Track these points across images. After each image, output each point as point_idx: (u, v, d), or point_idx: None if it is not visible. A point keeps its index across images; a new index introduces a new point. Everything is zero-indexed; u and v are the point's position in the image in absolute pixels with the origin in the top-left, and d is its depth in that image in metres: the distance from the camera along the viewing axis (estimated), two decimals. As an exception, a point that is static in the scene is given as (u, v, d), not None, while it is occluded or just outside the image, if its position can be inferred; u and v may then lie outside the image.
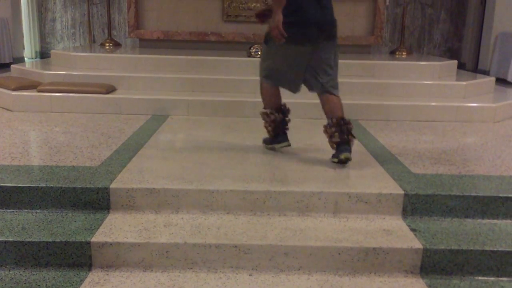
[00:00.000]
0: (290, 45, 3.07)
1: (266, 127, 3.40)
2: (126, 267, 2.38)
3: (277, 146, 3.42)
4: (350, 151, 3.09)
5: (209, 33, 6.18)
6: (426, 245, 2.41)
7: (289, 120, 3.44)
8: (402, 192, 2.69)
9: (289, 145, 3.42)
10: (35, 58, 8.77)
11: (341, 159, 3.06)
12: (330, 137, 3.14)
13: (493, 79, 5.52)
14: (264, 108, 3.38)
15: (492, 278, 2.42)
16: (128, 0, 6.19)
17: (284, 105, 3.42)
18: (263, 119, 3.38)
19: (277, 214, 2.68)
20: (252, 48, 5.30)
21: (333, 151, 3.15)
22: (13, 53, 7.87)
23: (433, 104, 4.63)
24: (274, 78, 3.28)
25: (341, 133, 3.08)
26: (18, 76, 5.36)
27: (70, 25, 8.84)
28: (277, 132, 3.39)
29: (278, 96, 3.37)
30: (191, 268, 2.39)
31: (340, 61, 5.12)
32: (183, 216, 2.64)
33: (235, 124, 4.26)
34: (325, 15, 3.12)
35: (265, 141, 3.50)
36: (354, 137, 3.14)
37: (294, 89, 3.31)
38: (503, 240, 2.49)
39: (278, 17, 2.96)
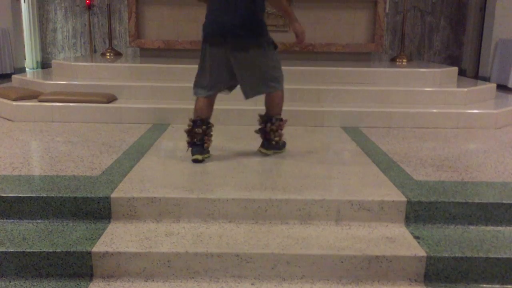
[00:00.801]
0: (208, 46, 3.21)
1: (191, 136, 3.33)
2: (128, 277, 2.37)
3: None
4: (266, 147, 3.44)
5: (209, 42, 6.18)
6: (430, 253, 2.39)
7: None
8: (404, 199, 2.67)
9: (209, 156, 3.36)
10: (36, 68, 8.81)
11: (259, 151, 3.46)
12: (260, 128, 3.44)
13: (494, 85, 5.52)
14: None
15: (497, 286, 2.40)
16: (129, 10, 6.22)
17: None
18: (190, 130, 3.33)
19: (279, 222, 2.67)
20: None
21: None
22: (14, 63, 7.91)
23: (435, 111, 4.62)
24: (205, 85, 3.32)
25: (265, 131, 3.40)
26: (19, 86, 5.37)
27: (71, 35, 8.88)
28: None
29: (212, 108, 3.40)
30: (193, 278, 2.37)
31: (340, 69, 5.21)
32: (184, 225, 2.62)
33: (236, 132, 4.26)
34: (240, 21, 3.10)
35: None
36: (278, 136, 3.44)
37: (223, 87, 3.37)
38: (507, 247, 2.47)
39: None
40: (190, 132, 3.32)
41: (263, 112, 3.46)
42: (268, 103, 3.39)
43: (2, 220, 2.62)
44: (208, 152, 3.36)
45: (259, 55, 3.20)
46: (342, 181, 2.97)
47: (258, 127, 3.50)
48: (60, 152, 3.50)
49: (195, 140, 3.30)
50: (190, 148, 3.34)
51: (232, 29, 3.10)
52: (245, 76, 3.25)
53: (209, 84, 3.30)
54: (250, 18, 3.13)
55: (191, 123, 3.33)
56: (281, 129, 3.45)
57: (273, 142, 3.44)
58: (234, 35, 3.11)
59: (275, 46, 3.28)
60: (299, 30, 3.24)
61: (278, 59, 3.33)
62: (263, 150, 3.46)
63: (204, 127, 3.31)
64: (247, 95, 3.35)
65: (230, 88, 3.44)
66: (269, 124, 3.39)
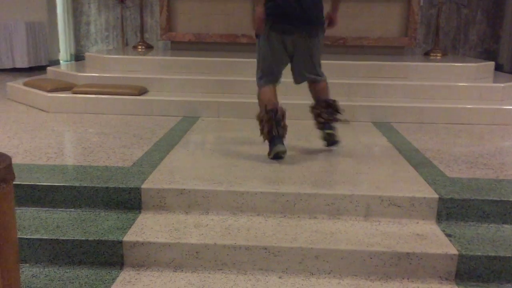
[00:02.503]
0: (273, 33, 3.17)
1: (261, 130, 3.20)
2: (157, 266, 2.40)
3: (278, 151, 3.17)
4: (333, 128, 3.37)
5: (239, 35, 6.20)
6: (462, 251, 2.34)
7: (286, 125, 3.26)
8: (436, 196, 2.62)
9: (285, 151, 3.17)
10: (70, 60, 8.98)
11: (324, 136, 3.38)
12: (316, 116, 3.39)
13: (532, 81, 5.33)
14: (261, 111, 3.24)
15: (532, 287, 2.33)
16: (161, 3, 6.28)
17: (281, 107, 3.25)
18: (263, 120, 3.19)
19: (308, 216, 2.66)
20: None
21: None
22: (49, 56, 8.09)
23: (469, 106, 4.51)
24: (266, 75, 3.27)
25: (327, 114, 3.36)
26: (53, 78, 5.49)
27: (104, 28, 9.01)
28: (272, 136, 3.16)
29: (275, 96, 3.28)
30: (221, 269, 2.39)
31: (372, 63, 5.13)
32: (213, 217, 2.64)
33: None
34: (308, 9, 3.13)
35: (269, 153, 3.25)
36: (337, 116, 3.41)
37: (277, 79, 3.33)
38: (543, 248, 2.40)
39: (259, 11, 3.10)
40: (269, 124, 3.13)
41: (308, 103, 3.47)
42: (318, 92, 3.41)
43: (37, 209, 2.70)
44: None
45: (316, 44, 3.25)
46: (372, 176, 2.93)
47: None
48: (92, 143, 3.57)
49: (275, 132, 3.12)
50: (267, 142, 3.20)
51: (305, 19, 3.13)
52: (300, 62, 3.30)
53: (276, 70, 3.29)
54: (318, 4, 3.19)
55: (267, 114, 3.14)
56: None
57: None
58: (307, 25, 3.15)
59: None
60: (336, 20, 3.32)
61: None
62: (331, 131, 3.36)
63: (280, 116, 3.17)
64: (298, 80, 3.42)
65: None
66: (334, 105, 3.39)
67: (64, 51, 8.99)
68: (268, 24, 3.15)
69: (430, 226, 2.59)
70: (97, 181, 2.73)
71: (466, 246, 2.39)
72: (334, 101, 3.42)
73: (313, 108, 3.43)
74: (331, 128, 3.38)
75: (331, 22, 3.33)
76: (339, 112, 3.41)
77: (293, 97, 4.18)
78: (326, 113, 3.36)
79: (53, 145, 3.53)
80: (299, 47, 3.23)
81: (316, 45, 3.25)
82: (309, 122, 4.08)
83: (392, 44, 6.10)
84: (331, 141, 3.40)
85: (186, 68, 5.26)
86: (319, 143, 3.57)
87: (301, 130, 3.99)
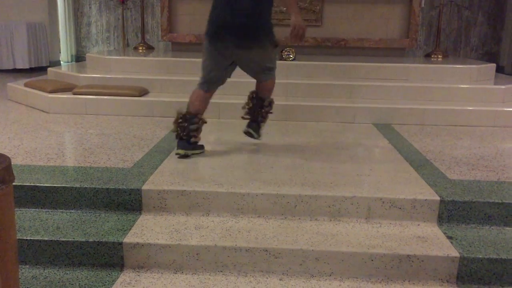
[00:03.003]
0: (212, 43, 3.16)
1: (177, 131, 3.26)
2: (157, 268, 2.39)
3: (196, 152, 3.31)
4: (254, 129, 3.44)
5: (241, 36, 6.18)
6: (463, 254, 2.33)
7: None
8: (438, 198, 2.61)
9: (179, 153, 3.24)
10: (71, 61, 8.99)
11: (244, 131, 3.46)
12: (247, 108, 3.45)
13: (533, 83, 5.32)
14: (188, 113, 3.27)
15: (533, 290, 2.32)
16: (162, 5, 6.28)
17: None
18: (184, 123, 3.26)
19: (308, 218, 2.65)
20: (284, 51, 5.28)
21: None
22: (50, 56, 8.09)
23: (470, 108, 4.50)
24: (210, 80, 3.28)
25: (257, 113, 3.43)
26: (54, 79, 5.49)
27: (105, 29, 9.02)
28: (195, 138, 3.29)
29: (207, 104, 3.35)
30: (221, 271, 2.38)
31: (373, 64, 5.12)
32: (213, 219, 2.63)
33: (266, 127, 4.22)
34: (247, 21, 3.03)
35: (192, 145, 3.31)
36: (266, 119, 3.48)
37: (222, 82, 3.36)
38: (545, 250, 2.39)
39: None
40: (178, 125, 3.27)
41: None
42: (260, 88, 3.42)
43: (37, 210, 2.69)
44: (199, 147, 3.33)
45: (259, 54, 3.20)
46: (373, 178, 2.92)
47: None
48: (93, 144, 3.57)
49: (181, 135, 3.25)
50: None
51: (239, 28, 3.04)
52: (244, 68, 3.33)
53: (213, 78, 3.29)
54: (257, 19, 3.06)
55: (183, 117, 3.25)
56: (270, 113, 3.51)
57: (262, 125, 3.50)
58: (240, 35, 3.06)
59: (276, 45, 3.22)
60: (297, 23, 2.96)
61: (275, 53, 3.35)
62: (252, 131, 3.45)
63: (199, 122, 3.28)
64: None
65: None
66: (267, 108, 3.44)
67: (65, 52, 9.00)
68: (208, 33, 3.15)
69: (431, 228, 2.58)
70: (97, 182, 2.73)
71: (468, 248, 2.38)
72: (270, 102, 3.46)
73: (249, 98, 3.47)
74: (251, 126, 3.46)
75: (294, 29, 2.98)
76: (263, 114, 3.46)
77: (291, 98, 4.18)
78: (254, 110, 3.44)
79: (54, 146, 3.52)
80: (240, 58, 3.21)
81: (258, 55, 3.20)
82: (310, 124, 4.08)
83: (393, 45, 6.09)
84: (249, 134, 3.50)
85: (187, 69, 5.25)
86: (320, 146, 3.57)
87: (302, 132, 3.98)
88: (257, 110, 3.45)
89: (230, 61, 3.24)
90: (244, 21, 3.03)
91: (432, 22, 8.21)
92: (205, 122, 3.33)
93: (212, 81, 3.29)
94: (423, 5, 6.14)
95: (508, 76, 6.45)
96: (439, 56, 6.23)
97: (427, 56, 6.45)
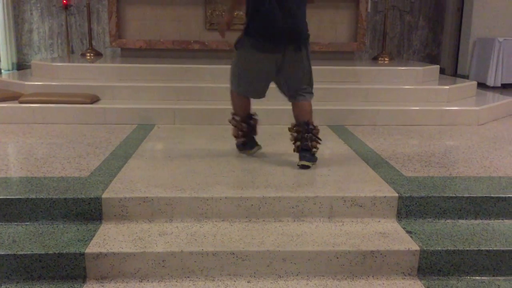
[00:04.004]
0: (256, 52, 3.09)
1: (234, 135, 3.42)
2: (122, 277, 2.33)
3: (249, 152, 3.44)
4: (309, 159, 3.11)
5: (192, 41, 6.17)
6: (423, 247, 2.42)
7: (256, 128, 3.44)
8: (396, 194, 2.70)
9: (260, 147, 3.47)
10: (12, 69, 8.61)
11: (299, 165, 3.12)
12: (294, 141, 3.18)
13: (474, 83, 5.62)
14: (234, 114, 3.39)
15: (488, 278, 2.44)
16: (109, 10, 6.14)
17: (254, 114, 3.41)
18: (233, 125, 3.40)
19: (273, 220, 2.66)
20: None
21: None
22: (-10, 65, 7.72)
23: (418, 108, 4.69)
24: (242, 87, 3.27)
25: (304, 139, 3.11)
26: (-2, 88, 5.24)
27: (48, 36, 8.72)
28: (246, 139, 3.42)
29: (248, 105, 3.37)
30: (189, 277, 2.35)
31: (325, 67, 5.24)
32: (177, 224, 2.60)
33: (223, 131, 4.23)
34: (294, 24, 3.04)
35: (238, 147, 3.48)
36: (318, 143, 3.18)
37: (259, 95, 3.33)
38: (497, 240, 2.52)
39: (227, 18, 3.19)
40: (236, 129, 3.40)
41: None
42: (298, 111, 3.18)
43: (-10, 223, 2.56)
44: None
45: (304, 56, 3.10)
46: (334, 178, 2.98)
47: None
48: (45, 154, 3.43)
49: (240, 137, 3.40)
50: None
51: (289, 34, 3.01)
52: (289, 79, 3.16)
53: (249, 89, 3.29)
54: (303, 21, 3.07)
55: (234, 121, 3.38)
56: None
57: (314, 150, 3.16)
58: (290, 40, 3.02)
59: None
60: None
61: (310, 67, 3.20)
62: (306, 163, 3.10)
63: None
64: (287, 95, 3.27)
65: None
66: (310, 133, 3.12)
67: (5, 60, 8.61)
68: (249, 42, 3.09)
69: (391, 224, 2.66)
70: (54, 192, 2.63)
71: (426, 241, 2.48)
72: (314, 126, 3.16)
73: (290, 129, 3.24)
74: (305, 158, 3.12)
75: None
76: (316, 140, 3.17)
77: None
78: (301, 138, 3.14)
79: (3, 157, 3.36)
80: (284, 65, 3.11)
81: (300, 61, 3.10)
82: (268, 127, 4.12)
83: (342, 49, 6.26)
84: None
85: (139, 75, 5.16)
86: (278, 148, 3.61)
87: (258, 136, 4.00)
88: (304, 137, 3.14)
89: (275, 70, 3.14)
90: (292, 24, 3.01)
91: (376, 26, 8.49)
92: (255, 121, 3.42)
93: (250, 92, 3.31)
94: (369, 10, 6.34)
95: (450, 77, 6.78)
96: (385, 58, 6.45)
97: (374, 59, 6.66)
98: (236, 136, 3.43)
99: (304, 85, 3.17)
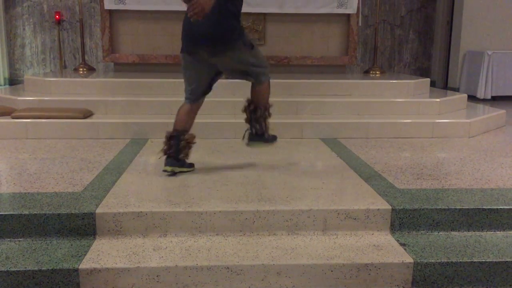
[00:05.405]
0: (186, 55, 3.21)
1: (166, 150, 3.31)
2: (116, 293, 2.32)
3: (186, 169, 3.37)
4: (257, 140, 3.38)
5: (185, 56, 6.18)
6: (417, 259, 2.43)
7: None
8: (389, 207, 2.72)
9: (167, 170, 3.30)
10: (4, 85, 8.59)
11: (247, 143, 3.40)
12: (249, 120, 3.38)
13: (465, 96, 5.68)
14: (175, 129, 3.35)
15: (482, 289, 2.45)
16: (102, 25, 6.17)
17: (190, 135, 3.39)
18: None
19: (267, 233, 2.67)
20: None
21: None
22: (-18, 80, 7.70)
23: (410, 121, 4.73)
24: (194, 90, 3.31)
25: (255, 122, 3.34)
26: (-10, 103, 5.23)
27: (40, 51, 8.71)
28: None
29: (193, 118, 3.41)
30: (183, 292, 2.34)
31: (317, 81, 5.28)
32: (171, 239, 2.60)
33: (216, 145, 4.25)
34: (214, 29, 3.06)
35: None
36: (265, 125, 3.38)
37: (206, 91, 3.38)
38: (490, 251, 2.54)
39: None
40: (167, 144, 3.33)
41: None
42: (253, 94, 3.35)
43: (-18, 240, 2.54)
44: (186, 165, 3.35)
45: (235, 55, 3.16)
46: (327, 191, 2.99)
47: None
48: (38, 169, 3.42)
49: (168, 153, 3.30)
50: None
51: (203, 39, 3.08)
52: (229, 72, 3.34)
53: (191, 92, 3.32)
54: (218, 27, 3.08)
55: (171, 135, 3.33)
56: (268, 118, 3.40)
57: (265, 135, 3.40)
58: (206, 45, 3.10)
59: (252, 46, 3.23)
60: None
61: (259, 55, 3.30)
62: (251, 143, 3.42)
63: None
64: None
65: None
66: (259, 111, 3.34)
67: (-3, 75, 8.59)
68: (183, 47, 3.22)
69: (385, 237, 2.67)
70: (47, 208, 2.62)
71: (420, 254, 2.49)
72: (261, 107, 3.35)
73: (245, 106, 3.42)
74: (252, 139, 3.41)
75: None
76: (259, 119, 3.37)
77: (239, 116, 4.21)
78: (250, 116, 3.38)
79: (-5, 172, 3.35)
80: (220, 65, 3.23)
81: (235, 56, 3.17)
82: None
83: (334, 63, 6.31)
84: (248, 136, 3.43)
85: (132, 90, 5.17)
86: (273, 162, 3.62)
87: (251, 149, 4.02)
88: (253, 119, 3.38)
89: (214, 70, 3.25)
90: (207, 30, 3.05)
91: (367, 40, 8.58)
92: (194, 139, 3.38)
93: (194, 92, 3.31)
94: (360, 24, 6.42)
95: (441, 90, 6.85)
96: (377, 72, 6.51)
97: (366, 72, 6.72)
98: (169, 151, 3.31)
99: (249, 64, 3.22)
